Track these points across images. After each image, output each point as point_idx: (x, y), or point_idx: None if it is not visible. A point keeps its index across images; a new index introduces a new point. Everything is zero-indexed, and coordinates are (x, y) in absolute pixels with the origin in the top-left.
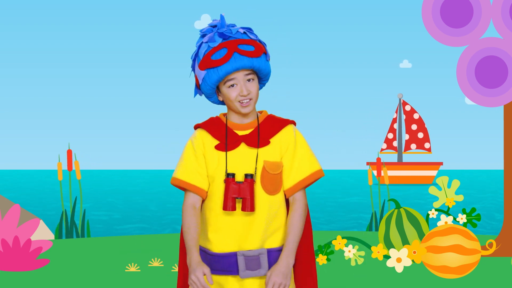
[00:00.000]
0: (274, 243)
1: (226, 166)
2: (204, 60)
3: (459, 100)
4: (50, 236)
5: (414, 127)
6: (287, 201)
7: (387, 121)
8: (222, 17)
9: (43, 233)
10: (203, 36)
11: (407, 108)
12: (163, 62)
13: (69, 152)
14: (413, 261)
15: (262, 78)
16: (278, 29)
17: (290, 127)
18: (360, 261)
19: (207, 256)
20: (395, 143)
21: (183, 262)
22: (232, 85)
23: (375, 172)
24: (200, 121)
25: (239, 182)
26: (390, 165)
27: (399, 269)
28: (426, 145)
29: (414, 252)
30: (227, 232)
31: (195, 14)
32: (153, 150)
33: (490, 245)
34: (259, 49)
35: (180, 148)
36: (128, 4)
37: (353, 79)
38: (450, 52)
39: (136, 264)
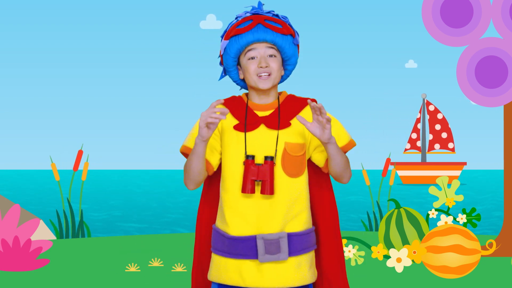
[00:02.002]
0: (295, 227)
1: (246, 147)
2: (229, 30)
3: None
4: (50, 236)
5: (437, 127)
6: (309, 184)
7: (398, 121)
8: (259, 2)
9: (43, 233)
10: (237, 18)
11: (431, 108)
12: (163, 62)
13: (80, 153)
14: (413, 261)
15: (285, 60)
16: None
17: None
18: (360, 261)
19: (225, 239)
20: (418, 143)
21: (197, 263)
22: (253, 58)
23: (398, 172)
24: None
25: (259, 164)
26: (414, 165)
27: (399, 269)
28: (450, 145)
29: (414, 252)
30: (246, 215)
31: (200, 14)
32: (153, 150)
33: (490, 245)
34: (287, 29)
35: (177, 149)
36: (136, 4)
37: (355, 79)
38: (456, 52)
39: (136, 264)
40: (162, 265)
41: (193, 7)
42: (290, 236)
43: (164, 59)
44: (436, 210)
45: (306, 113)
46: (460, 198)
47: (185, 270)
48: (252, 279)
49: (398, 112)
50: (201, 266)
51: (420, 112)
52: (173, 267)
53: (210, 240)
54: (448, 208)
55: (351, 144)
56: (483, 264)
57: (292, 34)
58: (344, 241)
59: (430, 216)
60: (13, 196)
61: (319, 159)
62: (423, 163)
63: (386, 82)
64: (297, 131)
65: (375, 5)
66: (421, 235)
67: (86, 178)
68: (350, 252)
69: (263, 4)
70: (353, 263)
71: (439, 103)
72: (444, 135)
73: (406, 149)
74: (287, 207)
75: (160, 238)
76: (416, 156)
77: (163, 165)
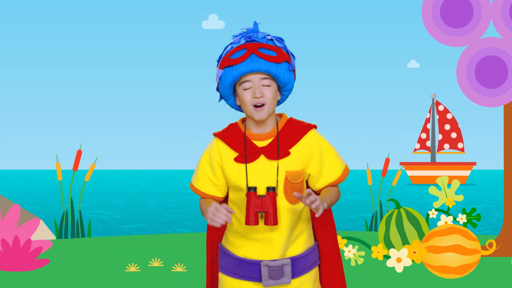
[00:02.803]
0: (297, 250)
1: (247, 179)
2: (223, 59)
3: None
4: (50, 236)
5: (447, 127)
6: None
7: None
8: (255, 23)
9: (43, 233)
10: (233, 39)
11: (440, 108)
12: (165, 62)
13: (79, 153)
14: (413, 261)
15: (281, 87)
16: (286, 29)
17: (311, 133)
18: (360, 261)
19: (231, 260)
20: (428, 143)
21: (210, 263)
22: (247, 88)
23: (408, 173)
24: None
25: (261, 196)
26: (423, 165)
27: (399, 269)
28: (460, 145)
29: (414, 252)
30: (251, 241)
31: (202, 14)
32: (153, 150)
33: (490, 245)
34: (281, 56)
35: (179, 148)
36: (138, 4)
37: (356, 80)
38: (459, 52)
39: (136, 264)
40: (162, 265)
41: (195, 7)
42: (293, 260)
43: (166, 59)
44: (436, 210)
45: (306, 141)
46: (460, 198)
47: (185, 270)
48: None
49: (399, 112)
50: (213, 280)
51: (429, 112)
52: (173, 267)
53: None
54: (448, 208)
55: (345, 174)
56: (483, 264)
57: (287, 60)
58: (344, 241)
59: (430, 216)
60: (13, 196)
61: (312, 186)
62: (433, 163)
63: (388, 82)
64: (296, 159)
65: (377, 5)
66: (421, 235)
67: (89, 179)
68: (350, 252)
69: (259, 23)
70: (353, 263)
71: (444, 103)
72: (453, 135)
73: (415, 149)
74: (289, 233)
75: (160, 238)
76: (425, 156)
77: (163, 165)
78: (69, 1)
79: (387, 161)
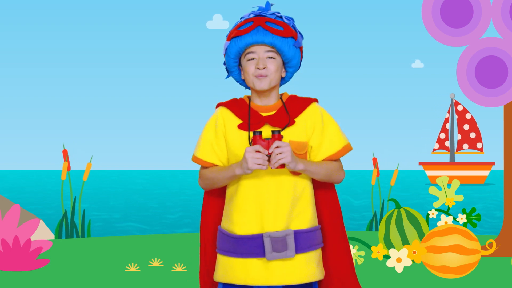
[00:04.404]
0: (300, 225)
1: (250, 144)
2: (231, 31)
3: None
4: (50, 236)
5: (466, 127)
6: (313, 183)
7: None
8: (267, 3)
9: (43, 233)
10: (241, 19)
11: (459, 108)
12: (169, 62)
13: (65, 152)
14: (413, 261)
15: (286, 63)
16: None
17: (314, 105)
18: (360, 261)
19: (230, 239)
20: (447, 143)
21: (203, 265)
22: (252, 59)
23: (427, 172)
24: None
25: (267, 139)
26: (442, 165)
27: (399, 269)
28: (479, 145)
29: (414, 252)
30: (252, 213)
31: (207, 14)
32: (153, 150)
33: (490, 245)
34: (288, 32)
35: (179, 149)
36: (142, 5)
37: (361, 79)
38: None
39: (136, 264)
40: (162, 265)
41: (200, 7)
42: (296, 233)
43: (170, 59)
44: (436, 210)
45: (309, 112)
46: (460, 198)
47: (185, 270)
48: (260, 277)
49: (402, 112)
50: (207, 268)
51: (448, 112)
52: (173, 267)
53: (215, 242)
54: (448, 208)
55: (345, 150)
56: (483, 264)
57: (293, 36)
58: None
59: (430, 216)
60: (13, 196)
61: (312, 159)
62: (452, 163)
63: (392, 82)
64: (300, 129)
65: (382, 6)
66: (421, 235)
67: (87, 178)
68: None
69: (272, 5)
70: None
71: (446, 104)
72: (472, 135)
73: (434, 149)
74: (291, 204)
75: (160, 238)
76: (444, 156)
77: (163, 165)
78: (70, 1)
79: (374, 160)
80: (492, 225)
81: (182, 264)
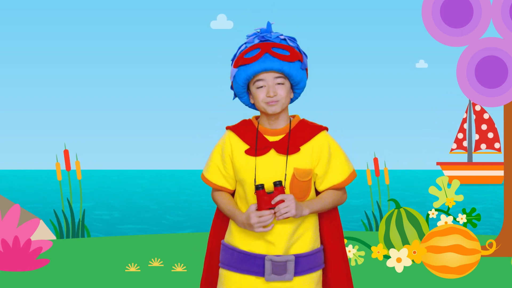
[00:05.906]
0: (301, 248)
1: (256, 173)
2: (238, 58)
3: None
4: (50, 236)
5: (484, 127)
6: None
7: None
8: (268, 23)
9: (43, 233)
10: (247, 39)
11: (477, 108)
12: (173, 62)
13: (66, 152)
14: (413, 261)
15: (294, 85)
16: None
17: (322, 134)
18: (360, 261)
19: (234, 254)
20: (465, 143)
21: (208, 262)
22: (261, 87)
23: (444, 173)
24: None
25: (270, 193)
26: (460, 165)
27: (399, 269)
28: (496, 145)
29: (414, 252)
30: (256, 235)
31: (211, 14)
32: (153, 150)
33: (490, 245)
34: (294, 55)
35: (178, 149)
36: (146, 4)
37: (365, 79)
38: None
39: (136, 264)
40: (162, 265)
41: (204, 7)
42: (297, 257)
43: (174, 59)
44: (436, 210)
45: (317, 140)
46: (460, 198)
47: (185, 270)
48: None
49: (405, 112)
50: (210, 278)
51: (466, 112)
52: (173, 267)
53: (219, 254)
54: (448, 208)
55: (350, 178)
56: (483, 264)
57: (300, 59)
58: (344, 241)
59: (430, 216)
60: (13, 196)
61: (316, 187)
62: (469, 163)
63: (396, 82)
64: (305, 157)
65: (386, 6)
66: (421, 235)
67: (82, 177)
68: (350, 252)
69: (273, 23)
70: (353, 263)
71: (449, 103)
72: (490, 135)
73: (452, 149)
74: (294, 229)
75: (160, 238)
76: (462, 156)
77: (163, 165)
78: (71, 1)
79: (375, 160)
80: (492, 225)
81: (182, 264)
